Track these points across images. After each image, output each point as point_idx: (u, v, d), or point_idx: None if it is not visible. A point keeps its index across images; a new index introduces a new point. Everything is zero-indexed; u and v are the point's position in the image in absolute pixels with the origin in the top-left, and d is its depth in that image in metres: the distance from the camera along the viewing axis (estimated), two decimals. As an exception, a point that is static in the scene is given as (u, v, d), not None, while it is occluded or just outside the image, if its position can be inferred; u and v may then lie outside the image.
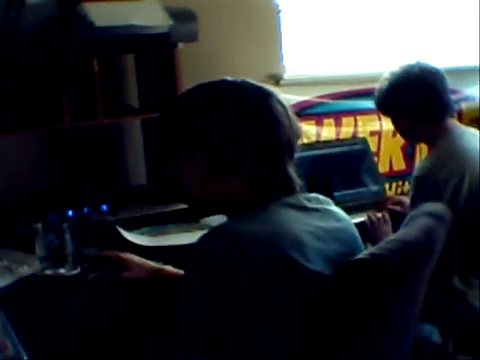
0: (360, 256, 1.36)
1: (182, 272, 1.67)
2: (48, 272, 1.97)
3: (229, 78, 1.50)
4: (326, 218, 1.48)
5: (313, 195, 1.52)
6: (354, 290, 1.31)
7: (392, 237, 1.46)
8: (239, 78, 1.50)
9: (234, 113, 1.43)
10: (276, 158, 1.45)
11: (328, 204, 1.54)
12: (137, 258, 1.80)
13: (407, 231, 1.49)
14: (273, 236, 1.34)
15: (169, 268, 1.77)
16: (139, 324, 1.59)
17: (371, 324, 1.35)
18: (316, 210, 1.48)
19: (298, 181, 1.49)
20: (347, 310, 1.31)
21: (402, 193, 3.83)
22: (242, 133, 1.41)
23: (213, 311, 1.30)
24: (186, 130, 1.46)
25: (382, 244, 1.41)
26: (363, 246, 1.53)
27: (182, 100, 1.53)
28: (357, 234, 1.54)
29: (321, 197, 1.54)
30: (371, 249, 1.40)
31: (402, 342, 1.51)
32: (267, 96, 1.46)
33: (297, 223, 1.40)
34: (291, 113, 1.48)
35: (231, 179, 1.44)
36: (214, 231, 1.38)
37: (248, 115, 1.43)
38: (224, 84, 1.49)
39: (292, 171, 1.48)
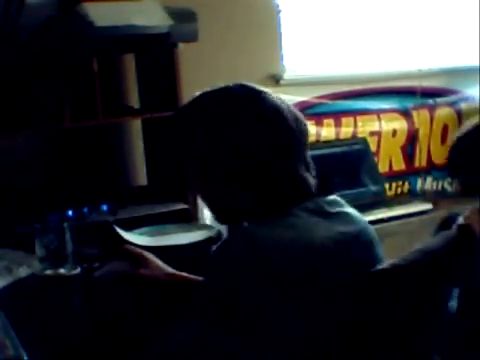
0: (382, 266, 1.34)
1: (195, 277, 1.67)
2: (48, 272, 1.97)
3: (229, 85, 1.46)
4: (346, 222, 1.43)
5: (332, 198, 1.48)
6: (379, 302, 1.30)
7: (418, 246, 1.43)
8: (237, 83, 1.46)
9: (228, 126, 1.40)
10: (278, 164, 1.40)
11: (346, 206, 1.49)
12: (158, 260, 1.79)
13: (432, 241, 1.43)
14: (296, 243, 1.31)
15: (183, 274, 1.75)
16: (140, 325, 1.59)
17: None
18: (336, 214, 1.44)
19: (312, 181, 1.45)
20: (374, 322, 1.30)
21: (401, 193, 3.83)
22: (235, 146, 1.39)
23: (229, 318, 1.28)
24: (182, 144, 1.46)
25: (407, 254, 1.38)
26: (381, 248, 1.49)
27: (180, 113, 1.53)
28: (375, 234, 1.50)
29: (339, 199, 1.50)
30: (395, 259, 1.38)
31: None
32: (260, 103, 1.42)
33: (321, 230, 1.37)
34: (291, 114, 1.44)
35: (232, 190, 1.41)
36: (233, 236, 1.36)
37: (241, 126, 1.39)
38: (217, 95, 1.45)
39: (303, 172, 1.43)
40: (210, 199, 1.49)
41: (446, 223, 1.49)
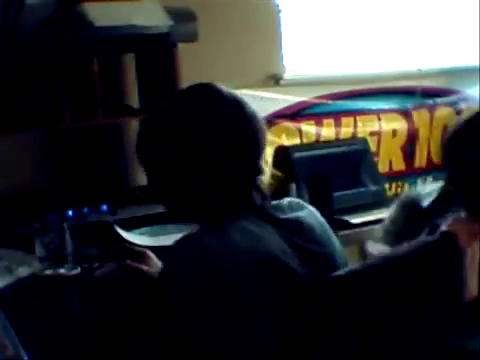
0: (337, 273, 1.33)
1: None
2: (48, 272, 1.97)
3: (185, 89, 1.47)
4: (300, 231, 1.40)
5: (286, 203, 1.45)
6: (338, 309, 1.28)
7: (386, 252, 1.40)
8: (195, 84, 1.44)
9: (182, 130, 1.38)
10: (227, 167, 1.38)
11: (301, 209, 1.46)
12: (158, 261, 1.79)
13: (403, 247, 1.37)
14: (240, 252, 1.30)
15: None
16: (140, 325, 1.59)
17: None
18: (288, 222, 1.40)
19: (264, 187, 1.43)
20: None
21: (401, 193, 3.83)
22: (188, 148, 1.37)
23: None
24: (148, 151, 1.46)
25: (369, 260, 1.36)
26: (340, 248, 1.46)
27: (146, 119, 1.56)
28: (329, 239, 1.45)
29: (294, 202, 1.47)
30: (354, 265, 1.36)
31: None
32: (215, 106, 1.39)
33: (267, 238, 1.35)
34: (246, 116, 1.39)
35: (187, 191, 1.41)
36: (181, 242, 1.34)
37: (195, 129, 1.38)
38: (176, 101, 1.46)
39: (254, 177, 1.41)
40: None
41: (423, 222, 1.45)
